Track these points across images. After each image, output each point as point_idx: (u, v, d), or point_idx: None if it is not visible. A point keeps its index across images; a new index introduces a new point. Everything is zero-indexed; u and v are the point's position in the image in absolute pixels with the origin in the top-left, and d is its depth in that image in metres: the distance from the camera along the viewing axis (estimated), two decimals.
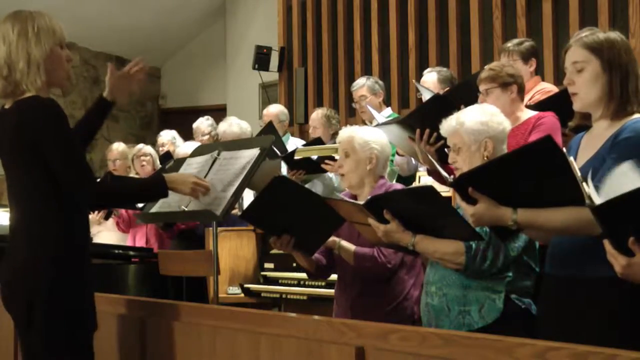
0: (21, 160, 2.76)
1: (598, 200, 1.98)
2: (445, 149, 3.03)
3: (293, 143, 5.89)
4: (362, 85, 5.52)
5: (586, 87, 2.43)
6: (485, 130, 2.87)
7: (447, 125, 2.95)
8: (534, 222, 2.37)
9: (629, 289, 2.15)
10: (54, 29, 2.81)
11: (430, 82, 5.01)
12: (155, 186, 3.00)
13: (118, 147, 6.30)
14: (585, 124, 2.55)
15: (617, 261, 2.01)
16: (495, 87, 3.58)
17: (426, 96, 4.71)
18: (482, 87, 3.63)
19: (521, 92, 3.64)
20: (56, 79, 2.84)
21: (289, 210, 3.17)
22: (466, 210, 2.43)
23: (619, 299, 2.24)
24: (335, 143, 4.34)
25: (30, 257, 2.73)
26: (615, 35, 2.47)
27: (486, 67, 3.74)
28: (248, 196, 3.38)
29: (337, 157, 3.92)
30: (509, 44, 4.68)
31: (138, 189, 3.08)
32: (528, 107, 3.75)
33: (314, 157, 4.93)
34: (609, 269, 2.10)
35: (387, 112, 5.53)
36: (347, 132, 3.50)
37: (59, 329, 2.72)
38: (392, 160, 4.76)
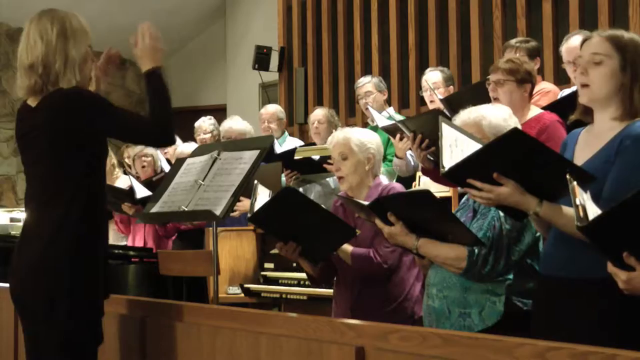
0: (50, 157, 2.77)
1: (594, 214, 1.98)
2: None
3: (291, 143, 5.88)
4: (368, 81, 5.55)
5: (600, 81, 2.37)
6: (504, 127, 2.87)
7: (465, 115, 2.93)
8: (554, 220, 2.36)
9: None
10: (86, 29, 2.87)
11: (436, 80, 5.02)
12: (154, 82, 2.95)
13: None
14: (585, 120, 2.52)
15: (618, 277, 2.01)
16: (512, 80, 3.52)
17: (429, 97, 4.74)
18: (496, 77, 3.56)
19: (531, 92, 3.63)
20: (85, 79, 2.88)
21: (298, 221, 3.18)
22: (492, 191, 2.38)
23: (616, 300, 2.24)
24: None
25: (51, 255, 2.71)
26: (637, 37, 2.43)
27: (504, 59, 3.68)
28: (262, 196, 3.37)
29: None
30: (514, 41, 4.68)
31: (159, 101, 2.96)
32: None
33: (316, 157, 4.93)
34: (605, 269, 2.10)
35: (390, 111, 5.53)
36: (342, 134, 3.50)
37: (78, 325, 2.73)
38: (390, 160, 4.77)
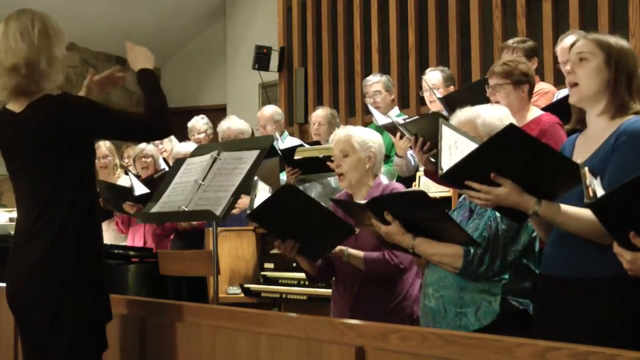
0: (44, 162, 2.75)
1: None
2: None
3: (291, 142, 5.87)
4: (377, 80, 5.47)
5: (587, 77, 2.41)
6: (498, 126, 2.85)
7: (461, 114, 2.93)
8: (553, 219, 2.36)
9: (626, 289, 2.15)
10: (63, 31, 2.84)
11: (436, 80, 5.02)
12: (146, 79, 2.95)
13: (105, 143, 5.99)
14: (581, 128, 2.54)
15: (623, 257, 2.01)
16: (508, 83, 3.52)
17: (429, 97, 4.73)
18: (493, 81, 3.56)
19: (531, 91, 3.61)
20: (64, 81, 2.85)
21: (296, 218, 3.18)
22: (490, 192, 2.38)
23: (617, 300, 2.24)
24: None
25: (51, 258, 2.70)
26: (624, 42, 2.47)
27: (499, 61, 3.66)
28: (262, 193, 3.37)
29: None
30: (512, 42, 4.67)
31: (151, 94, 2.94)
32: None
33: (320, 155, 4.92)
34: (606, 269, 2.10)
35: (396, 111, 5.51)
36: (344, 132, 3.51)
37: (82, 330, 2.74)
38: (391, 162, 4.77)
